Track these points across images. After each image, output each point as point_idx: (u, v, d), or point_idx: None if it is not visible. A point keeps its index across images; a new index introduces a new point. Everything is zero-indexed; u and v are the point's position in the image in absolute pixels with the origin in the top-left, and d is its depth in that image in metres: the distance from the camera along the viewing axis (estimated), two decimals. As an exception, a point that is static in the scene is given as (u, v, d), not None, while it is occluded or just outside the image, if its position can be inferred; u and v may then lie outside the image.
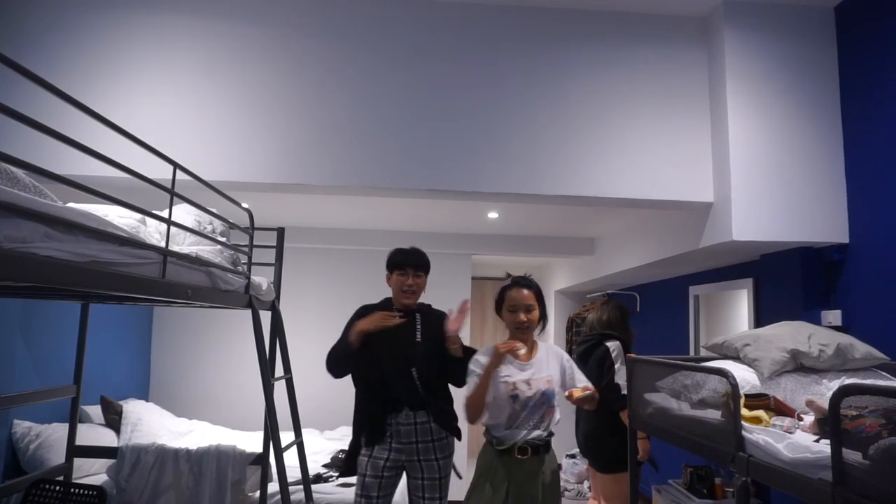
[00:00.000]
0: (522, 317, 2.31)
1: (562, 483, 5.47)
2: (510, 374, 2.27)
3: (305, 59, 2.95)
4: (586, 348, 3.16)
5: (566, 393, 2.27)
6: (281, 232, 3.35)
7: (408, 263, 2.58)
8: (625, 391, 2.86)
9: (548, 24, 3.03)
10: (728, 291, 3.99)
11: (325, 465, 4.02)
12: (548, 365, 2.33)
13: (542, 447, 2.27)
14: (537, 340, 2.43)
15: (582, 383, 2.35)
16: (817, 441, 1.59)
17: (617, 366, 2.95)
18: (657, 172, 2.96)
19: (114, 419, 4.08)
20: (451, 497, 2.84)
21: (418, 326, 2.58)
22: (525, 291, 2.34)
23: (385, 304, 2.67)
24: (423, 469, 2.49)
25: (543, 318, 2.39)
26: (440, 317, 2.59)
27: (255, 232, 2.86)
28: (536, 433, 2.24)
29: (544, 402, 2.25)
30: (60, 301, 3.53)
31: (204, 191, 2.41)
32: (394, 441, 2.49)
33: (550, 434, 2.31)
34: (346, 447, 4.41)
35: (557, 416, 2.31)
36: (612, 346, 3.02)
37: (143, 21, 2.92)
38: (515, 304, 2.33)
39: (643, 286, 5.43)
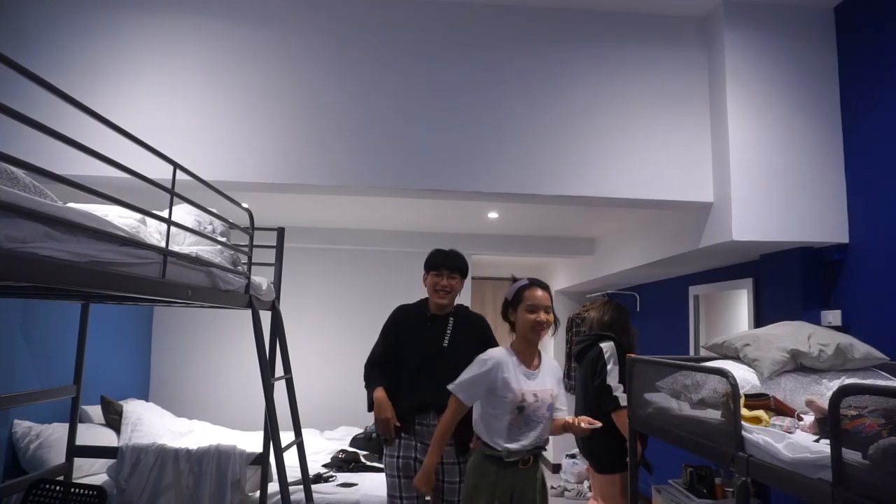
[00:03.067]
0: (543, 316, 2.26)
1: (562, 483, 5.48)
2: (520, 382, 2.23)
3: (305, 59, 2.95)
4: (582, 348, 3.17)
5: (570, 418, 2.29)
6: (281, 232, 3.35)
7: (444, 264, 2.62)
8: (616, 392, 2.87)
9: (548, 25, 3.03)
10: (728, 291, 3.99)
11: (325, 465, 4.03)
12: (550, 377, 2.33)
13: (538, 454, 2.31)
14: (539, 349, 2.41)
15: (563, 405, 2.38)
16: (817, 441, 1.59)
17: (609, 367, 2.95)
18: (657, 172, 2.96)
19: (114, 419, 4.08)
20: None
21: (448, 332, 2.60)
22: (542, 292, 2.31)
23: (420, 305, 2.71)
24: (445, 472, 2.51)
25: (556, 320, 2.37)
26: (475, 321, 2.65)
27: (255, 232, 2.86)
28: (538, 443, 2.25)
29: (548, 414, 2.26)
30: (60, 301, 3.53)
31: (204, 191, 2.41)
32: (418, 442, 2.53)
33: (546, 441, 2.33)
34: (347, 447, 4.45)
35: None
36: (606, 347, 3.02)
37: (144, 21, 2.93)
38: (536, 303, 2.27)
39: (643, 286, 5.43)
